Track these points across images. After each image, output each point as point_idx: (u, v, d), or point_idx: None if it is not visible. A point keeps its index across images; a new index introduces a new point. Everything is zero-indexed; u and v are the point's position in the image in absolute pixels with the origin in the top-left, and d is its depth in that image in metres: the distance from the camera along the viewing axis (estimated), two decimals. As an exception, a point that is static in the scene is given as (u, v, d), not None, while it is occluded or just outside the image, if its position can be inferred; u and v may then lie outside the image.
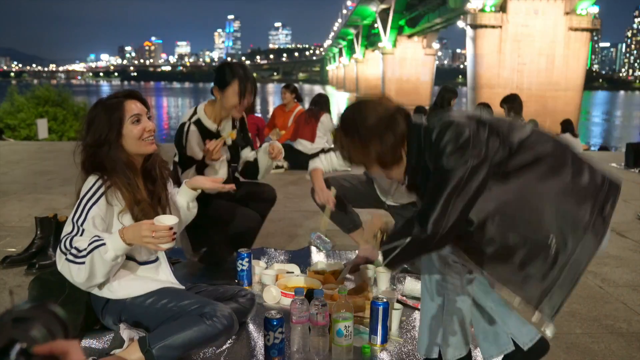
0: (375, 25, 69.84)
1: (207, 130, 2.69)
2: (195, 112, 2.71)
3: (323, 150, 6.16)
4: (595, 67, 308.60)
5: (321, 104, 6.37)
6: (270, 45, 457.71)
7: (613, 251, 3.43)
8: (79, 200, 1.81)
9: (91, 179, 1.84)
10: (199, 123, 2.68)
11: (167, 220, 1.77)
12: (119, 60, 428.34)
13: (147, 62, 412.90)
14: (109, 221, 1.84)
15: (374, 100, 1.66)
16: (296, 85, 7.50)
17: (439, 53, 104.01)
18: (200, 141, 2.66)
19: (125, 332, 1.75)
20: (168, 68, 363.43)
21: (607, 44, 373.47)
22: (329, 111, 6.41)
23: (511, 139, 1.51)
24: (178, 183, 2.33)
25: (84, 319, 2.01)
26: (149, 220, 1.77)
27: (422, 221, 1.48)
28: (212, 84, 2.72)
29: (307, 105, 6.73)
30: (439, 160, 1.49)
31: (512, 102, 6.23)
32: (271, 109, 8.16)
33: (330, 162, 2.81)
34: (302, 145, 6.07)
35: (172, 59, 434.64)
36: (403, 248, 1.53)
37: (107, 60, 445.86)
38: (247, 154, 2.95)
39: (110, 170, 1.84)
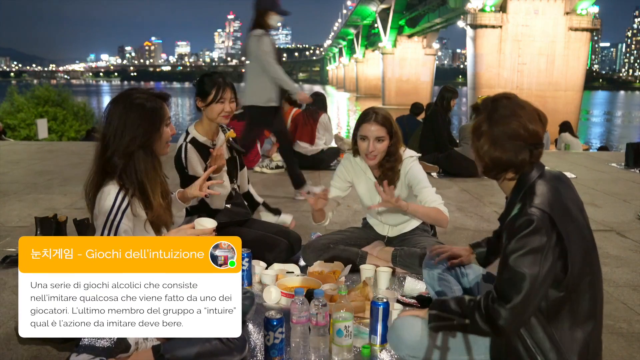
0: (375, 25, 69.83)
1: (202, 146, 2.78)
2: (187, 133, 2.82)
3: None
4: (595, 67, 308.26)
5: (318, 103, 6.24)
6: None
7: (613, 251, 3.42)
8: (105, 218, 1.75)
9: (112, 190, 1.78)
10: (194, 141, 2.78)
11: (207, 223, 1.85)
12: (119, 60, 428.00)
13: (147, 62, 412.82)
14: (133, 230, 1.82)
15: (533, 110, 1.63)
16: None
17: (439, 53, 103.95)
18: (200, 159, 2.76)
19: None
20: (168, 68, 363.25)
21: (607, 44, 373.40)
22: (326, 110, 6.33)
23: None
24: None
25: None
26: (189, 224, 1.81)
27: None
28: None
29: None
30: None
31: (512, 102, 6.22)
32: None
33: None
34: (301, 147, 5.96)
35: (172, 59, 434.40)
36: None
37: (107, 60, 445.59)
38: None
39: (140, 175, 1.80)
